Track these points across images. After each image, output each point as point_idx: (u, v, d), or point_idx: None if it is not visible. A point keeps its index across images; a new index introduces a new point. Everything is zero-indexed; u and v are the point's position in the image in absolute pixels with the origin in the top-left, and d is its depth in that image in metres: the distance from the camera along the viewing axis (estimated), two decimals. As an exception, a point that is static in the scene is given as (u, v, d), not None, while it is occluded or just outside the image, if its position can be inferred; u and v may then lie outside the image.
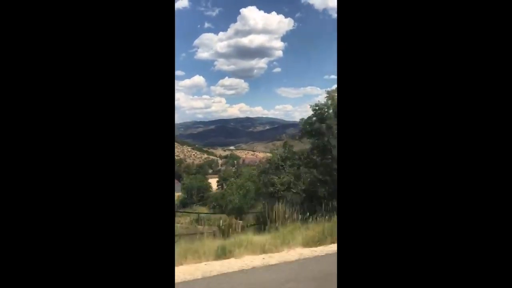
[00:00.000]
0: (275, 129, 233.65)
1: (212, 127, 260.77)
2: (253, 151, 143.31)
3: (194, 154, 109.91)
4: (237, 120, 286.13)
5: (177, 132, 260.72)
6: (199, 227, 9.82)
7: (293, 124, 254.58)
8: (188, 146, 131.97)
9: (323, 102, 9.36)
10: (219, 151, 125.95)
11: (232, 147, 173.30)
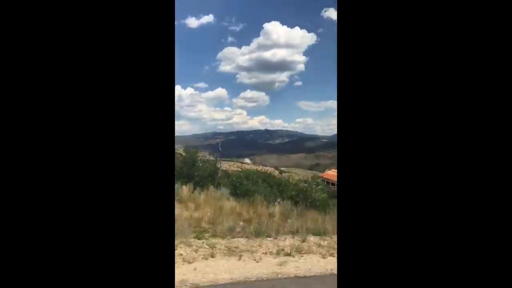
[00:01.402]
0: (294, 142, 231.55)
1: (231, 138, 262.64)
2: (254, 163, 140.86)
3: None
4: (257, 132, 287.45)
5: (196, 143, 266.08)
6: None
7: (312, 138, 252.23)
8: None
9: None
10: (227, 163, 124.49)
11: (247, 159, 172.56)
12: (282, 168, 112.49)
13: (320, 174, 65.30)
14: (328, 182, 57.63)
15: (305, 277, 3.48)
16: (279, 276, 3.45)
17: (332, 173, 65.49)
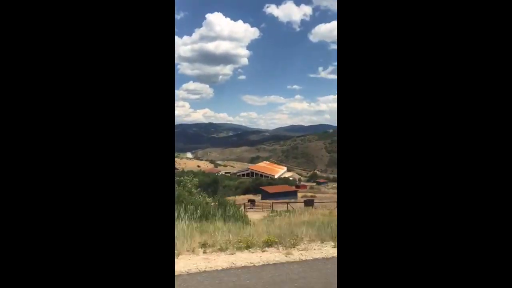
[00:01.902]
0: (238, 136, 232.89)
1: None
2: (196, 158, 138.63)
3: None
4: (200, 126, 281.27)
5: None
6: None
7: (255, 131, 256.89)
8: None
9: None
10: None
11: (189, 153, 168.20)
12: (219, 162, 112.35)
13: (249, 166, 66.88)
14: (253, 174, 58.19)
15: None
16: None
17: (261, 165, 67.63)
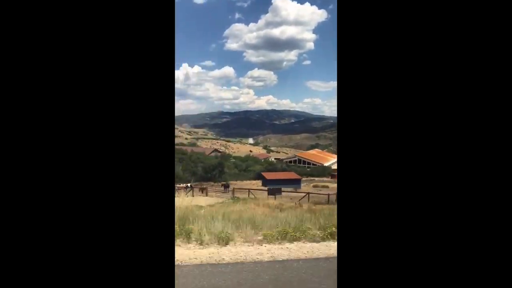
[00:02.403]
0: (300, 122, 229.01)
1: (237, 118, 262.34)
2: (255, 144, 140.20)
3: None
4: (263, 112, 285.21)
5: (202, 122, 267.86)
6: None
7: (318, 118, 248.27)
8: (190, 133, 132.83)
9: None
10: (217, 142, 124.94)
11: (250, 139, 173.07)
12: (273, 148, 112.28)
13: (296, 153, 64.74)
14: (300, 161, 56.36)
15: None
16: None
17: (311, 153, 64.86)
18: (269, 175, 28.70)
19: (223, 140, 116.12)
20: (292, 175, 29.59)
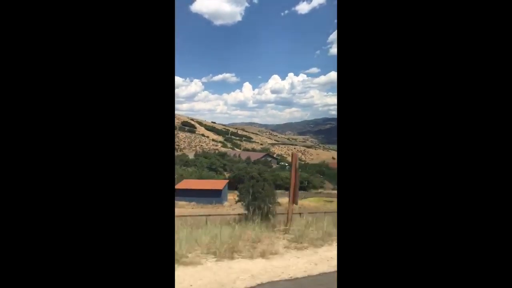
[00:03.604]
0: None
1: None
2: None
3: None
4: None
5: (305, 128, 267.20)
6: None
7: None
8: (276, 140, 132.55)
9: None
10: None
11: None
12: None
13: None
14: None
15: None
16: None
17: None
18: (187, 183, 23.21)
19: (303, 146, 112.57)
20: (214, 184, 23.28)
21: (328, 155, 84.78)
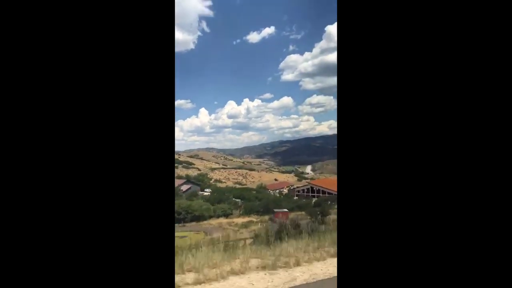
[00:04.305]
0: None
1: (297, 145, 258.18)
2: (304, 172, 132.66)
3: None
4: (325, 138, 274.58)
5: (262, 151, 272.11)
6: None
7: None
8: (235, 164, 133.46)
9: None
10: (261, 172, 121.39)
11: (309, 166, 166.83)
12: (319, 175, 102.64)
13: (310, 181, 57.05)
14: (316, 190, 49.61)
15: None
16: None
17: (330, 180, 56.65)
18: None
19: (246, 169, 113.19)
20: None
21: (270, 177, 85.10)
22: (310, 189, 46.78)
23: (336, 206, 29.40)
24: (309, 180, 60.72)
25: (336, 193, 40.38)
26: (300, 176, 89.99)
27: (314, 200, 34.14)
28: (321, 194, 42.69)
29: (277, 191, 49.50)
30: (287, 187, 53.49)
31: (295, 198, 39.48)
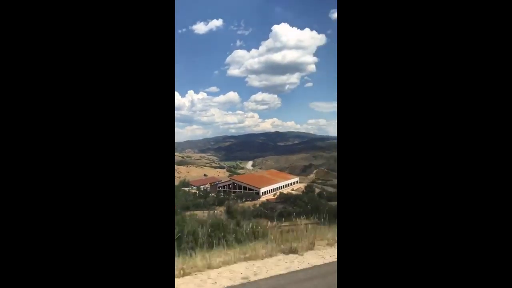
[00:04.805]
0: (304, 143, 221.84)
1: (241, 141, 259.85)
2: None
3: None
4: (267, 135, 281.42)
5: (206, 146, 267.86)
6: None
7: (322, 138, 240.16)
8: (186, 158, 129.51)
9: None
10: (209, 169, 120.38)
11: (250, 162, 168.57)
12: (259, 170, 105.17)
13: (233, 176, 58.29)
14: (238, 186, 49.36)
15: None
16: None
17: (255, 175, 58.18)
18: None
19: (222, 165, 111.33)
20: None
21: (200, 172, 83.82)
22: (232, 185, 46.84)
23: (240, 203, 29.54)
24: (233, 176, 61.16)
25: (256, 189, 41.00)
26: (232, 171, 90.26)
27: (231, 196, 34.06)
28: (242, 190, 43.00)
29: (202, 187, 48.48)
30: (210, 183, 52.79)
31: (212, 195, 38.94)
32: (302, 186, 53.62)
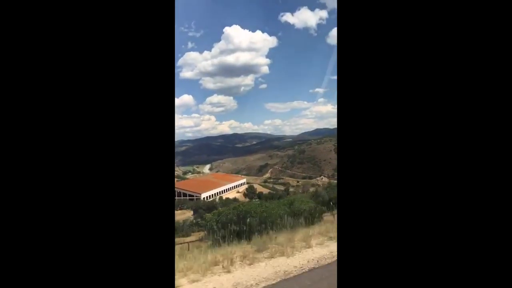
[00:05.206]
0: (261, 144, 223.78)
1: (198, 144, 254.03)
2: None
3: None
4: (225, 137, 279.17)
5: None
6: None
7: (278, 138, 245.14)
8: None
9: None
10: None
11: (208, 165, 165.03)
12: (214, 172, 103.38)
13: (176, 183, 56.95)
14: (180, 193, 46.97)
15: None
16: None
17: (200, 179, 56.98)
18: None
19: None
20: None
21: None
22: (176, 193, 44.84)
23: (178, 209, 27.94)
24: (178, 182, 59.01)
25: (197, 195, 39.28)
26: (181, 177, 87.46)
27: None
28: (181, 197, 41.26)
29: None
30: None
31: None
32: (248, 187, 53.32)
